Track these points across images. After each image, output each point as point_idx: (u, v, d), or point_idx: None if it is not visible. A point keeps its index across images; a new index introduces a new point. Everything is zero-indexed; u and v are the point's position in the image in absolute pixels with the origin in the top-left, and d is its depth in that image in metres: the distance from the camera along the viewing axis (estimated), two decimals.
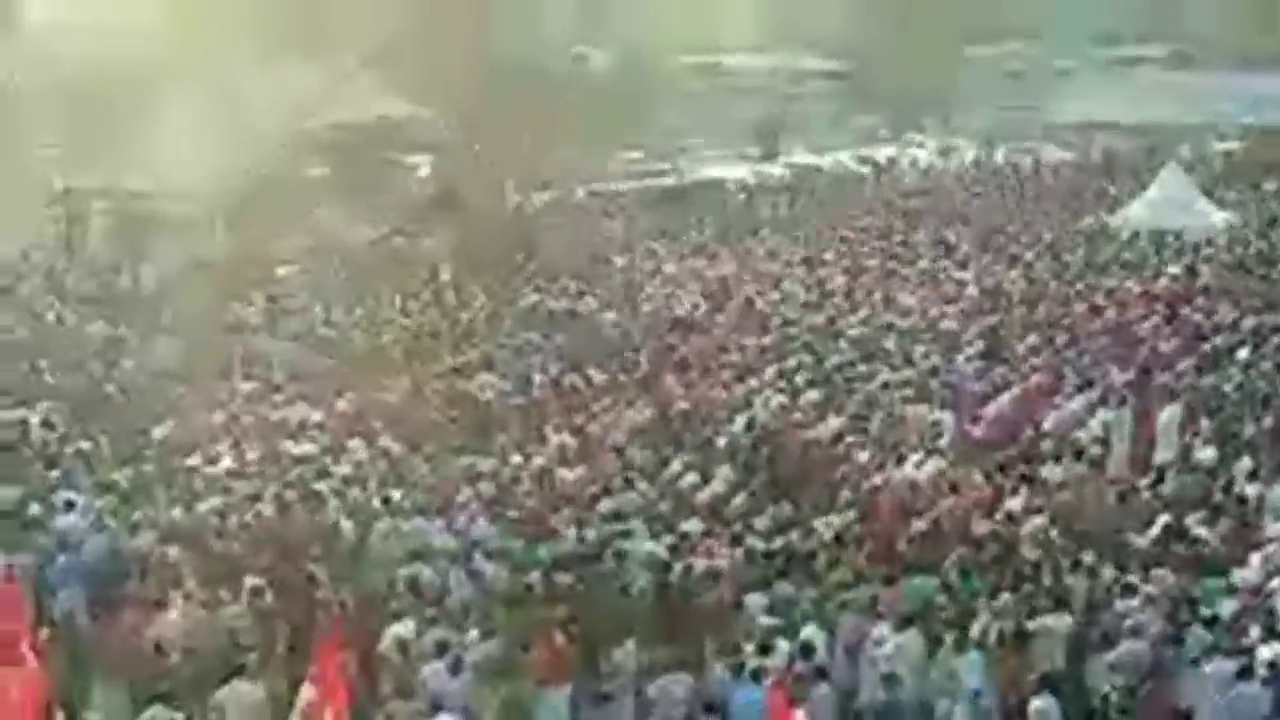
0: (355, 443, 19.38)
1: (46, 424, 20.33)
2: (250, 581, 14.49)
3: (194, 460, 18.54)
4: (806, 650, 13.04)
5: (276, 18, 55.89)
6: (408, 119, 49.64)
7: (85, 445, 19.00)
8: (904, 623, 13.44)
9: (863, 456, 18.57)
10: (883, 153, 56.90)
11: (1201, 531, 15.62)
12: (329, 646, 12.31)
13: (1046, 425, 19.97)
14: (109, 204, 38.74)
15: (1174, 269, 30.92)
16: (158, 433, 19.95)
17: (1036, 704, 12.30)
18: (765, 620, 13.75)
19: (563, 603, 14.21)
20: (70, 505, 16.33)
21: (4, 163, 43.34)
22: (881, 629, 13.51)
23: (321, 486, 17.33)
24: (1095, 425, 19.86)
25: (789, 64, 75.83)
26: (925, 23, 76.96)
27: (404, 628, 13.56)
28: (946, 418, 20.07)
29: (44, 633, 13.72)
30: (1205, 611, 13.52)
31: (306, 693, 12.13)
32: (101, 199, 39.26)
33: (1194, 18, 73.76)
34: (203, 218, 37.30)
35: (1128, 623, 13.43)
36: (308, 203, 40.54)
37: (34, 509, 16.30)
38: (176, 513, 16.50)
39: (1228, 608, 13.71)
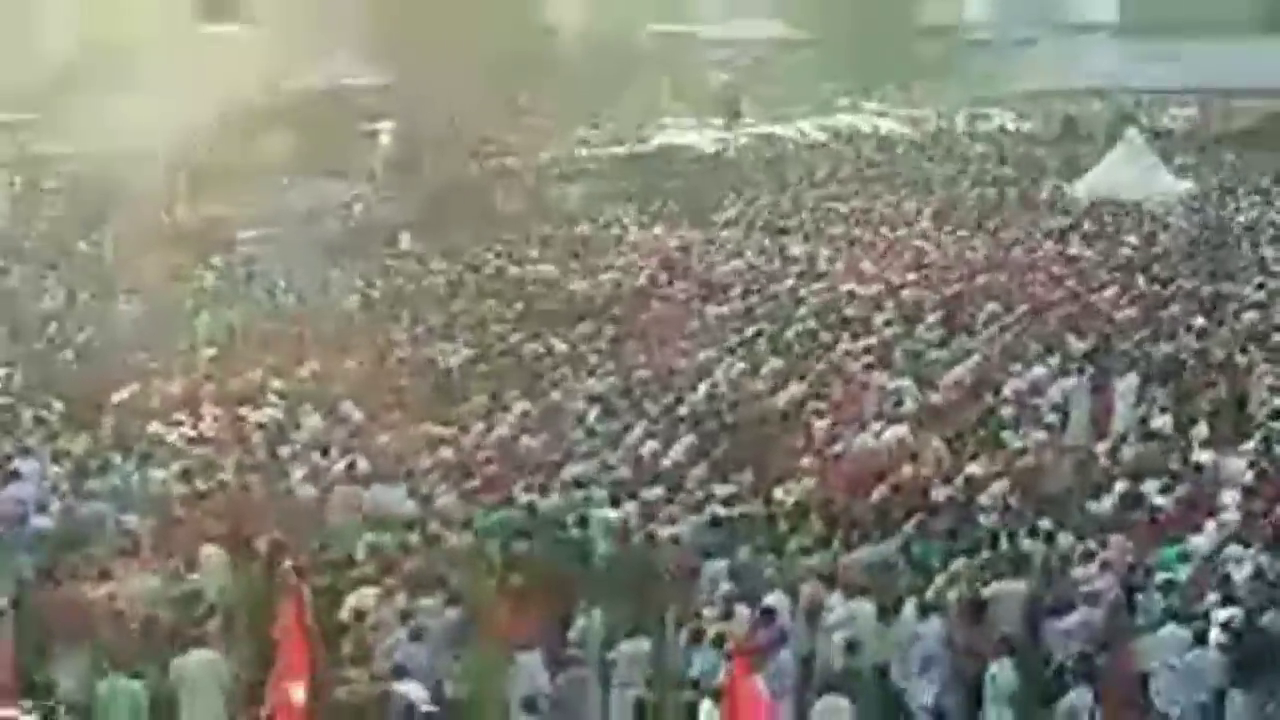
0: (316, 409, 19.31)
1: (3, 391, 20.19)
2: (210, 549, 14.43)
3: (153, 427, 18.43)
4: (767, 616, 13.10)
5: None
6: (370, 86, 49.36)
7: (42, 412, 18.87)
8: (857, 590, 13.49)
9: (823, 424, 18.63)
10: (845, 121, 57.00)
11: (1158, 499, 15.75)
12: (290, 614, 12.28)
13: (1006, 393, 20.06)
14: (67, 169, 38.42)
15: (1132, 237, 31.11)
16: (116, 399, 19.83)
17: (994, 669, 12.40)
18: (726, 586, 13.80)
19: (524, 569, 14.22)
20: (19, 475, 16.17)
21: None
22: (835, 596, 13.56)
23: (282, 453, 17.27)
24: (1054, 393, 19.97)
25: (753, 33, 75.70)
26: None
27: (365, 595, 13.54)
28: (907, 385, 20.15)
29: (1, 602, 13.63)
30: (1161, 577, 13.64)
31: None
32: (58, 164, 38.94)
33: None
34: (164, 183, 37.04)
35: (1084, 589, 13.53)
36: (270, 169, 40.32)
37: None
38: (135, 480, 16.40)
39: (1183, 574, 13.84)
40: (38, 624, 13.42)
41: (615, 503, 15.72)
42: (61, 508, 15.57)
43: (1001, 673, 12.37)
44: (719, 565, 14.25)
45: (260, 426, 18.45)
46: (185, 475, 16.36)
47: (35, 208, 36.70)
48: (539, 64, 55.35)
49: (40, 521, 15.18)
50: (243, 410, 19.26)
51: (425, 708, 12.09)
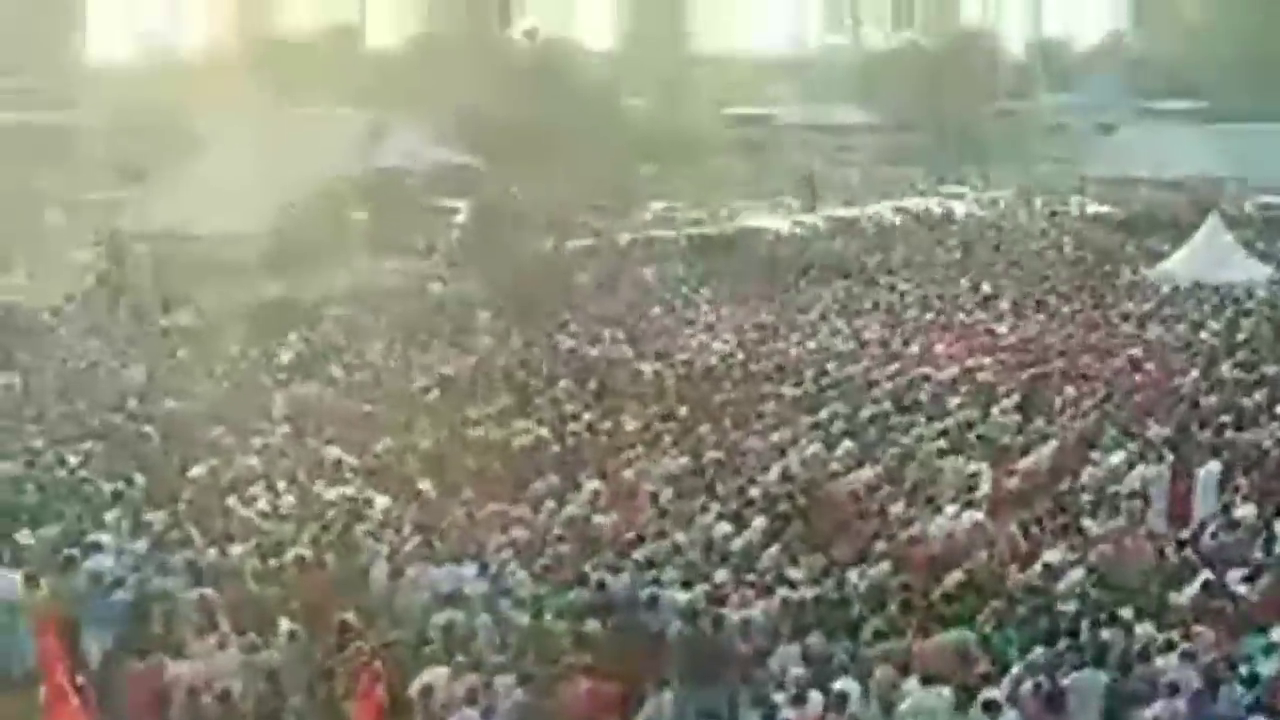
0: (390, 487, 19.40)
1: (84, 464, 20.44)
2: (285, 625, 14.48)
3: (230, 502, 18.59)
4: (841, 702, 12.94)
5: (324, 68, 56.63)
6: (448, 165, 50.04)
7: (121, 486, 19.08)
8: (932, 677, 13.29)
9: (898, 508, 18.47)
10: (921, 205, 56.97)
11: (1241, 588, 15.46)
12: (364, 691, 12.29)
13: (1084, 479, 19.82)
14: (152, 246, 39.09)
15: (1214, 323, 30.74)
16: (194, 473, 20.03)
17: None
18: (797, 671, 13.66)
19: (595, 650, 14.15)
20: (101, 547, 16.33)
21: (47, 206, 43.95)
22: (910, 683, 13.38)
23: (356, 530, 17.35)
24: (1134, 480, 19.69)
25: (831, 117, 76.09)
26: (968, 78, 77.12)
27: (433, 674, 13.52)
28: (982, 469, 19.96)
29: (80, 678, 13.75)
30: (1244, 670, 13.37)
31: None
32: (145, 241, 39.63)
33: (1231, 71, 73.58)
34: (245, 260, 37.60)
35: (1165, 680, 13.28)
36: (349, 246, 40.89)
37: (70, 550, 16.32)
38: (212, 554, 16.52)
39: (1268, 666, 13.54)
40: (113, 699, 13.52)
41: (687, 584, 15.64)
42: (139, 581, 15.68)
43: None
44: (791, 649, 14.12)
45: (334, 503, 18.55)
46: (261, 551, 16.46)
47: (119, 283, 37.29)
48: (617, 145, 55.84)
49: (119, 595, 15.29)
50: (318, 487, 19.39)
51: None
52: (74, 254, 39.76)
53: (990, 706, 12.84)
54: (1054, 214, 53.78)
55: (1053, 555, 16.59)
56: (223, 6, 73.57)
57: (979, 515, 18.04)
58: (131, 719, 13.17)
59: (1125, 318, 31.85)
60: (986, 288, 36.41)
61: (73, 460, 20.56)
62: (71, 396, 24.94)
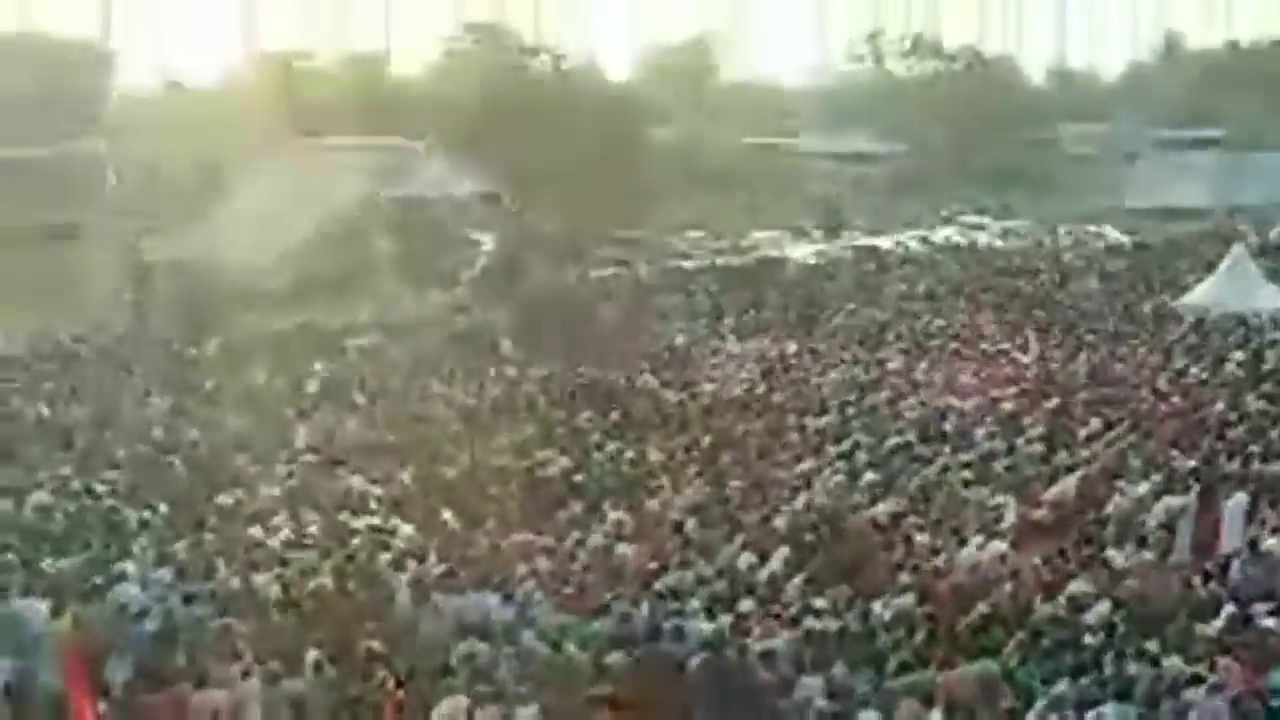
0: (414, 516, 19.42)
1: (110, 494, 20.52)
2: (309, 654, 14.49)
3: (254, 531, 18.64)
4: None
5: (354, 98, 57.03)
6: (472, 195, 50.27)
7: (146, 515, 19.15)
8: (956, 710, 13.22)
9: (922, 539, 18.41)
10: (944, 234, 56.98)
11: (1268, 621, 15.35)
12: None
13: (1109, 510, 19.72)
14: (178, 275, 39.35)
15: (1239, 354, 30.60)
16: (219, 502, 20.10)
17: None
18: (821, 703, 13.61)
19: (618, 680, 14.12)
20: (126, 576, 16.38)
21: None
22: (935, 715, 13.32)
23: (380, 559, 17.37)
24: (1160, 511, 19.58)
25: (853, 146, 76.24)
26: (990, 107, 77.20)
27: (455, 704, 13.50)
28: (1008, 500, 19.89)
29: (102, 706, 13.78)
30: (1274, 703, 13.26)
31: None
32: (171, 270, 39.90)
33: (1258, 100, 73.48)
34: (271, 290, 37.81)
35: (1193, 714, 13.18)
36: (375, 277, 41.11)
37: (96, 579, 16.38)
38: (235, 583, 16.56)
39: None
40: None
41: (711, 615, 15.61)
42: (164, 611, 15.72)
43: None
44: (815, 681, 14.07)
45: (358, 532, 18.58)
46: (283, 580, 16.48)
47: (145, 313, 37.54)
48: (640, 175, 56.02)
49: (145, 624, 15.33)
50: (342, 516, 19.43)
51: None
52: (101, 284, 40.02)
53: None
54: (1076, 243, 53.70)
55: (1078, 587, 16.50)
56: (249, 38, 74.26)
57: (1004, 546, 17.97)
58: None
59: (1150, 348, 31.72)
60: (1010, 317, 36.34)
61: (100, 489, 20.66)
62: (99, 425, 25.07)
